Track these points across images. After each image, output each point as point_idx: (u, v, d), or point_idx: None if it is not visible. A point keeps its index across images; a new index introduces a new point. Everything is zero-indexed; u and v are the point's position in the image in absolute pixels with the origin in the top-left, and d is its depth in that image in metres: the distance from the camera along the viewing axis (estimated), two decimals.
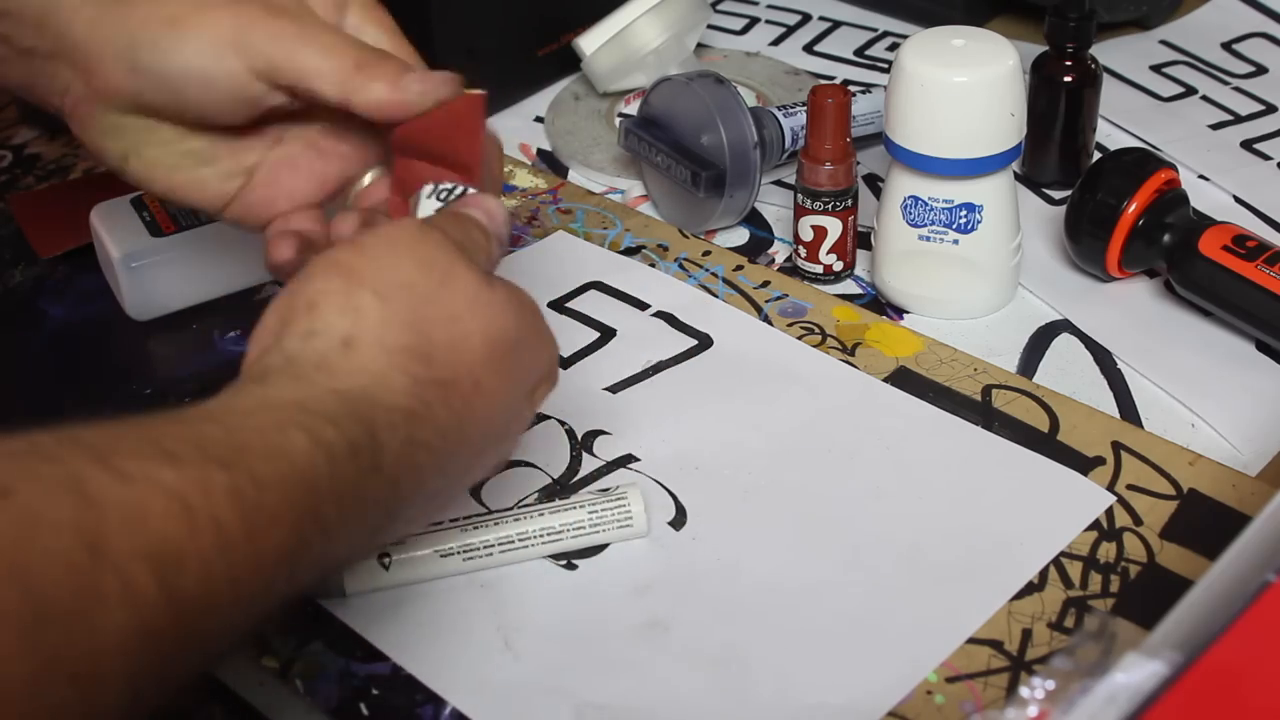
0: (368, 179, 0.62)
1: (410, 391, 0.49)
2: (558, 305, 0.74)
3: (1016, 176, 0.75)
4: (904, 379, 0.69)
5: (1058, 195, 0.82)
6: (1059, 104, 0.80)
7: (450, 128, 0.57)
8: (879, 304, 0.75)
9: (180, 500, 0.41)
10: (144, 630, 0.39)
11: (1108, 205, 0.72)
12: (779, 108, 0.82)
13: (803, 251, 0.76)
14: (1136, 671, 0.44)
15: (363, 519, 0.48)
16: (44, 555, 0.38)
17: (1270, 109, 0.89)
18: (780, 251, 0.79)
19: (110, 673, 0.39)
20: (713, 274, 0.77)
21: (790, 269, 0.78)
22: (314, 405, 0.46)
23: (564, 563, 0.60)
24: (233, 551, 0.42)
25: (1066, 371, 0.70)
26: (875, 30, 0.99)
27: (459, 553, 0.59)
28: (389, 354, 0.49)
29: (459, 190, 0.57)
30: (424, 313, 0.50)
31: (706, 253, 0.78)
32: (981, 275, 0.72)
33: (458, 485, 0.55)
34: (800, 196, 0.75)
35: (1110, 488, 0.63)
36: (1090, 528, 0.61)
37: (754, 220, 0.81)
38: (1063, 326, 0.73)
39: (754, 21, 1.00)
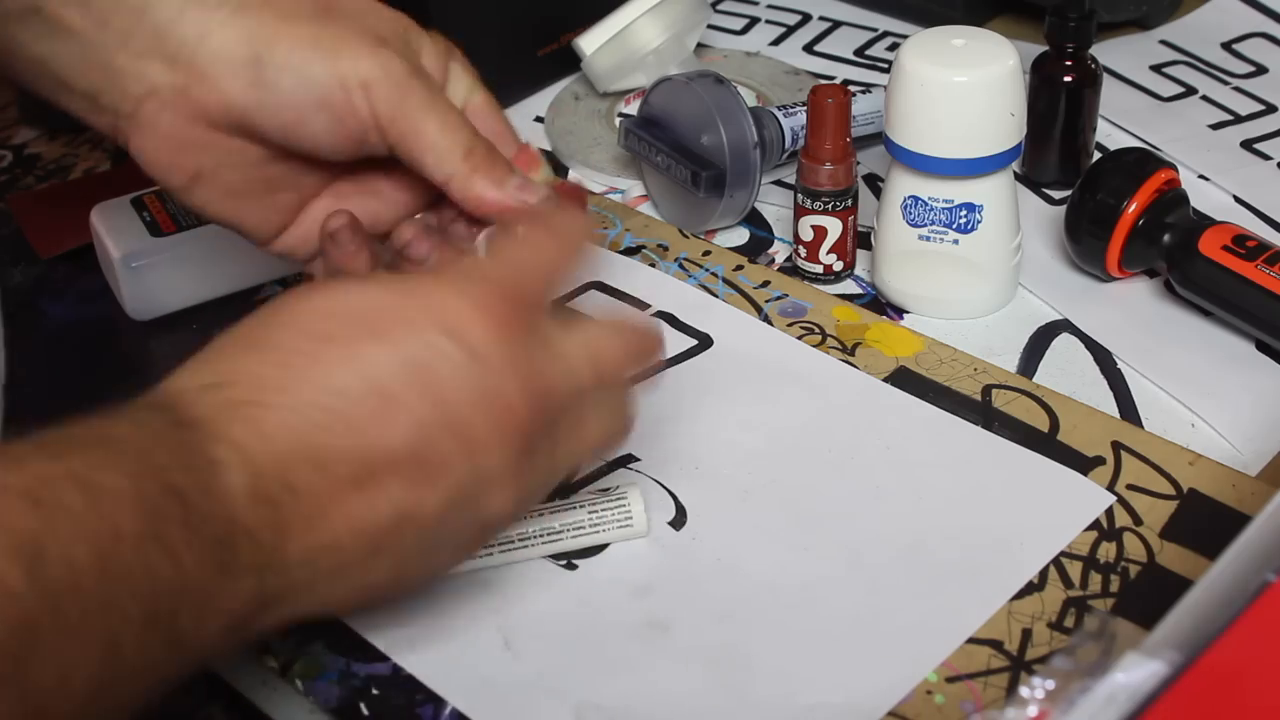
0: (409, 230, 0.61)
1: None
2: (558, 306, 0.74)
3: (1016, 176, 0.75)
4: (904, 379, 0.69)
5: (1058, 195, 0.82)
6: (1059, 104, 0.80)
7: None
8: (879, 304, 0.75)
9: (27, 495, 0.40)
10: (21, 624, 0.39)
11: (1108, 205, 0.72)
12: (779, 108, 0.82)
13: (803, 251, 0.76)
14: (1136, 671, 0.44)
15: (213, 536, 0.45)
16: None
17: (1270, 109, 0.89)
18: (780, 251, 0.79)
19: (1, 674, 0.39)
20: (713, 274, 0.77)
21: (790, 269, 0.78)
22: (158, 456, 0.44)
23: (564, 563, 0.60)
24: (86, 529, 0.41)
25: (1066, 371, 0.70)
26: (875, 30, 0.99)
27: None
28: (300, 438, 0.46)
29: None
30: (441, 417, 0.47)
31: (706, 253, 0.78)
32: (981, 275, 0.72)
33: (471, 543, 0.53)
34: (800, 196, 0.75)
35: (1110, 488, 0.63)
36: (1090, 528, 0.61)
37: (754, 220, 0.81)
38: (1063, 326, 0.73)
39: (754, 21, 1.00)
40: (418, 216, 0.62)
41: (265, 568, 0.45)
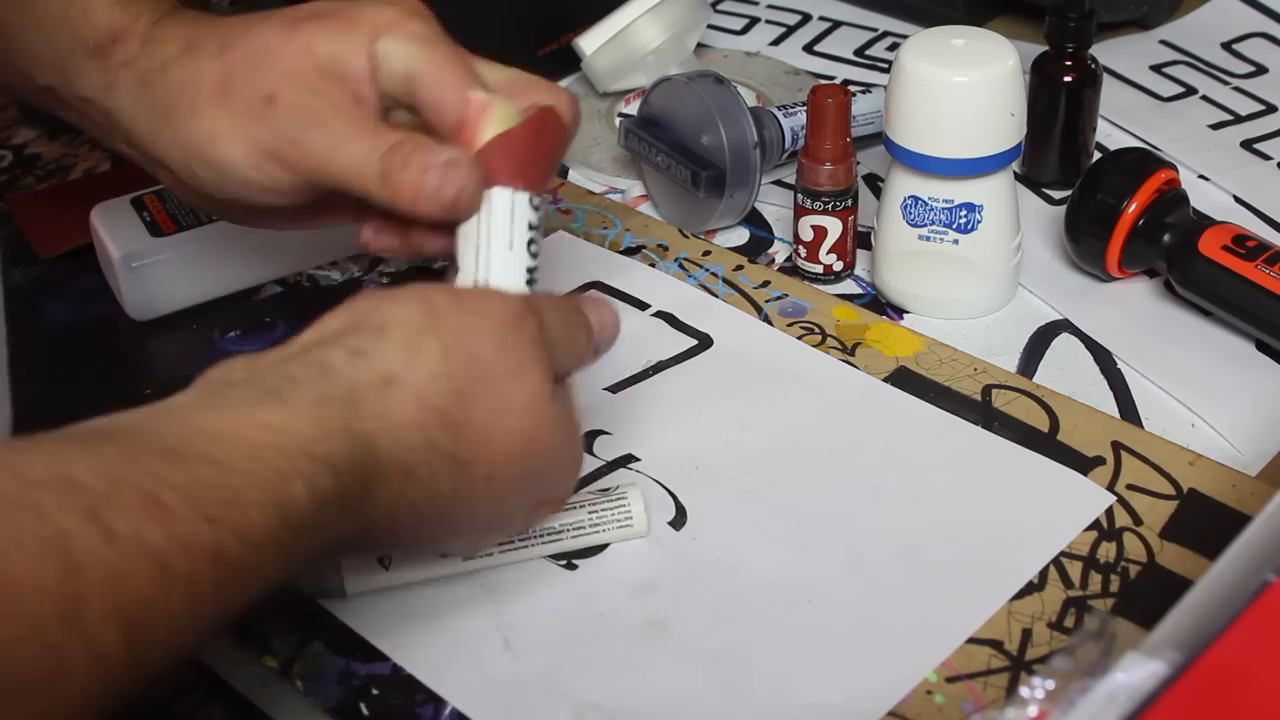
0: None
1: (421, 453, 0.48)
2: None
3: (1016, 176, 0.75)
4: (904, 379, 0.69)
5: (1058, 195, 0.82)
6: (1059, 104, 0.80)
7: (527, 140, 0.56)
8: (879, 304, 0.75)
9: (161, 564, 0.40)
10: (104, 689, 0.39)
11: (1108, 205, 0.72)
12: (779, 108, 0.82)
13: (803, 251, 0.76)
14: (1136, 671, 0.44)
15: (325, 552, 0.48)
16: (18, 622, 0.37)
17: (1270, 109, 0.89)
18: (780, 251, 0.79)
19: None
20: (713, 274, 0.77)
21: (790, 269, 0.78)
22: (322, 450, 0.46)
23: (564, 563, 0.60)
24: (201, 605, 0.42)
25: (1066, 371, 0.70)
26: (875, 30, 0.99)
27: (459, 553, 0.59)
28: (420, 410, 0.48)
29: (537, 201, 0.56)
30: (476, 390, 0.49)
31: (706, 253, 0.78)
32: (981, 275, 0.72)
33: (426, 548, 0.56)
34: (800, 196, 0.75)
35: (1110, 488, 0.63)
36: (1090, 528, 0.61)
37: (754, 220, 0.81)
38: (1063, 326, 0.73)
39: (754, 21, 1.00)
40: None
41: (358, 514, 0.48)
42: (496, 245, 0.55)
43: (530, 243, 0.56)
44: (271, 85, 0.56)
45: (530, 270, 0.56)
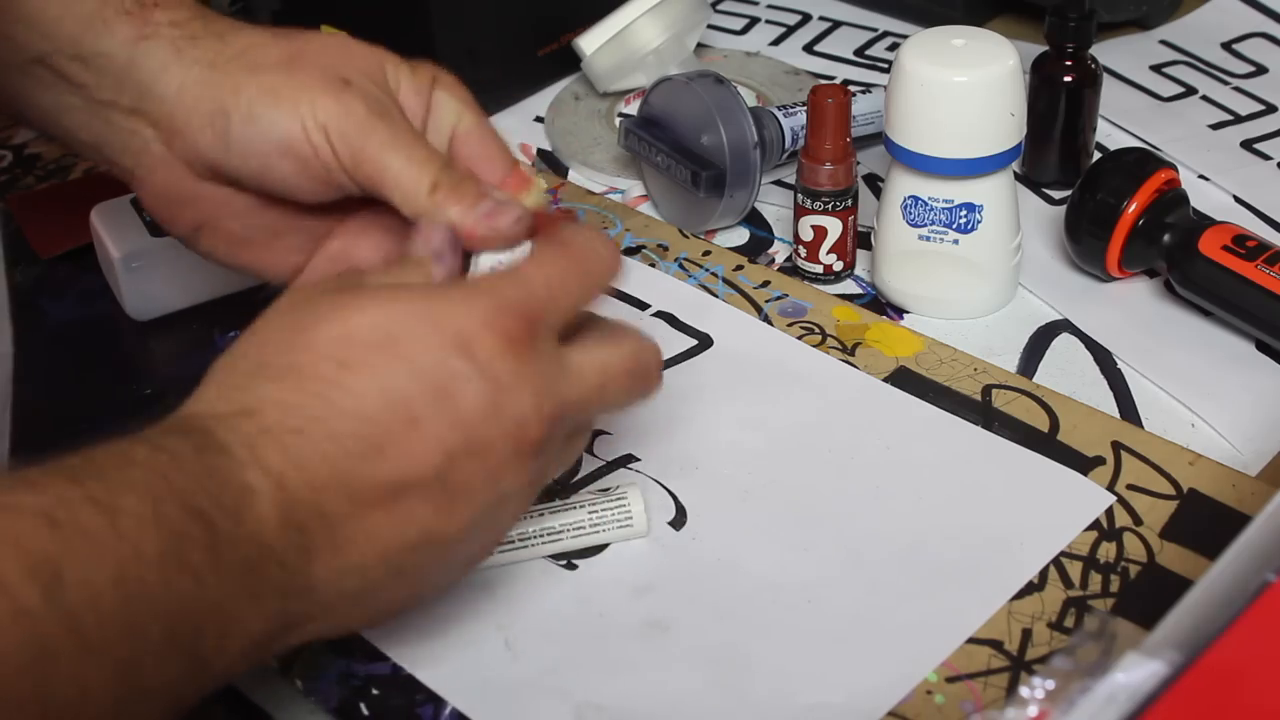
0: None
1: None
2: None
3: (1016, 176, 0.75)
4: (904, 379, 0.69)
5: (1058, 195, 0.82)
6: (1059, 104, 0.80)
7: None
8: (879, 304, 0.75)
9: (45, 516, 0.41)
10: (40, 643, 0.39)
11: (1108, 205, 0.72)
12: (779, 108, 0.82)
13: (803, 251, 0.76)
14: (1136, 671, 0.44)
15: (241, 561, 0.45)
16: None
17: (1270, 109, 0.89)
18: (780, 251, 0.79)
19: (19, 695, 0.39)
20: (713, 274, 0.77)
21: (790, 269, 0.78)
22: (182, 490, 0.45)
23: (564, 563, 0.60)
24: (104, 551, 0.42)
25: (1066, 371, 0.70)
26: (875, 30, 0.99)
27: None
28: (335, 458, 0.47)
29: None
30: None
31: (706, 253, 0.78)
32: (981, 275, 0.72)
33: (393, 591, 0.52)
34: (800, 196, 0.75)
35: (1110, 488, 0.63)
36: (1090, 528, 0.61)
37: (754, 220, 0.81)
38: (1063, 326, 0.73)
39: (754, 21, 1.00)
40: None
41: (290, 591, 0.47)
42: None
43: None
44: (347, 73, 0.56)
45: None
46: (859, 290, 0.76)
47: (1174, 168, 0.73)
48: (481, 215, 0.54)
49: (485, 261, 0.54)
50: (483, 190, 0.55)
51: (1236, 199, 0.81)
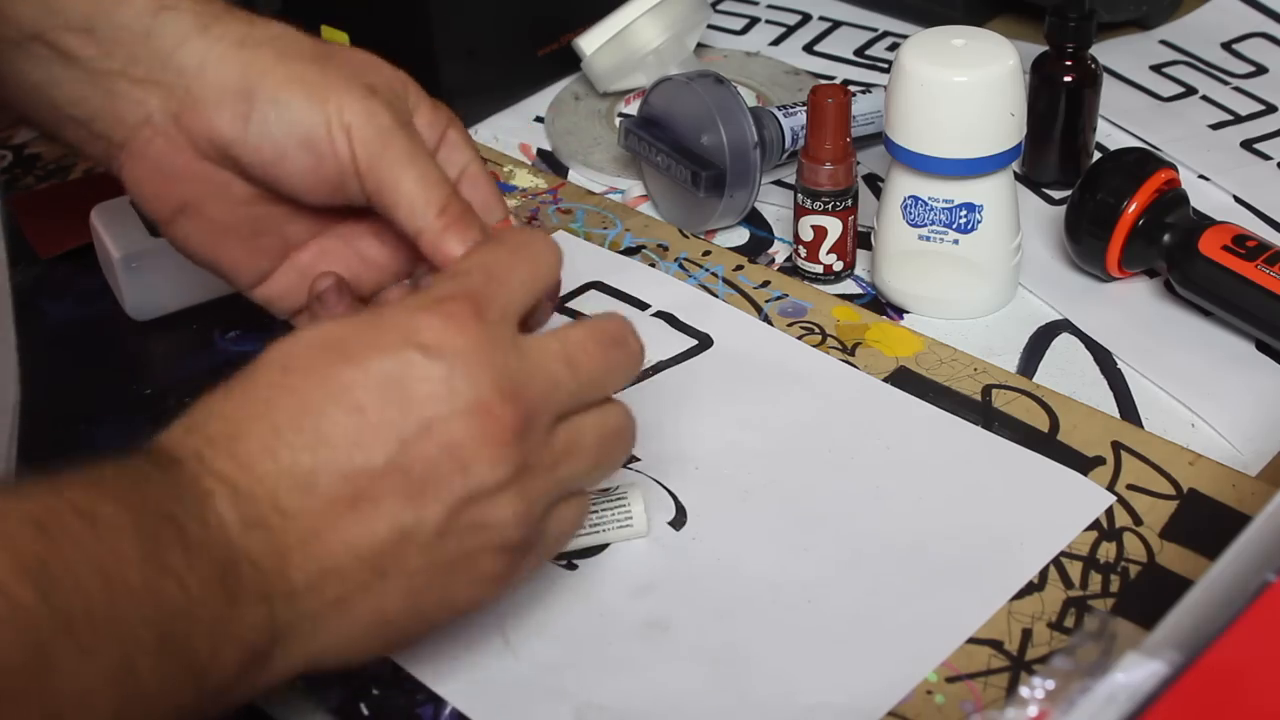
0: (395, 291, 0.61)
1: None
2: (558, 305, 0.74)
3: (1016, 176, 0.75)
4: (904, 379, 0.69)
5: (1058, 195, 0.82)
6: (1059, 104, 0.80)
7: None
8: (879, 304, 0.75)
9: (33, 522, 0.41)
10: (38, 641, 0.40)
11: (1108, 205, 0.72)
12: (779, 108, 0.82)
13: (803, 251, 0.76)
14: (1136, 671, 0.44)
15: (214, 561, 0.46)
16: None
17: (1270, 109, 0.89)
18: (780, 251, 0.79)
19: (20, 694, 0.39)
20: (713, 274, 0.77)
21: (790, 269, 0.78)
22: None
23: (564, 563, 0.60)
24: (89, 554, 0.42)
25: (1066, 371, 0.70)
26: (875, 30, 0.99)
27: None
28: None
29: None
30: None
31: (706, 253, 0.78)
32: (981, 275, 0.72)
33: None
34: (800, 196, 0.75)
35: (1110, 487, 0.63)
36: (1090, 527, 0.61)
37: (754, 220, 0.81)
38: (1063, 326, 0.73)
39: (754, 21, 1.00)
40: (404, 281, 0.62)
41: (272, 595, 0.46)
42: None
43: None
44: (374, 81, 0.57)
45: None
46: (859, 290, 0.76)
47: (1174, 168, 0.73)
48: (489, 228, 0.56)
49: None
50: (484, 229, 0.56)
51: (1236, 199, 0.81)
